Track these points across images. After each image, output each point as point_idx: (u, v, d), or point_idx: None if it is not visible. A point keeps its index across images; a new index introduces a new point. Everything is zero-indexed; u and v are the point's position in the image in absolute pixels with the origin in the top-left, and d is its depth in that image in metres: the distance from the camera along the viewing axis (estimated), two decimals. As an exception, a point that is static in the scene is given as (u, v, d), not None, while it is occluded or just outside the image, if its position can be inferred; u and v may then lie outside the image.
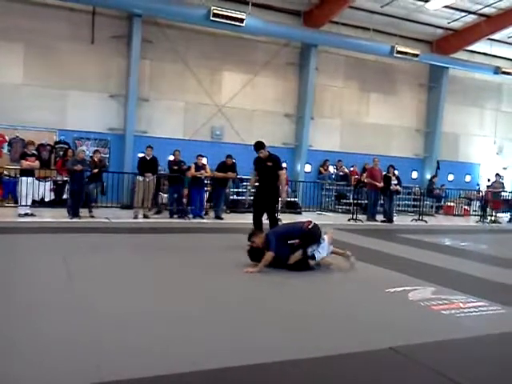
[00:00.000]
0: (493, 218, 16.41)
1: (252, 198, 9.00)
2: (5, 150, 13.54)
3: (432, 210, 18.02)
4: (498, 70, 19.28)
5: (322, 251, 6.77)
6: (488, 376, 3.60)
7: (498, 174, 17.72)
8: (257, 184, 8.79)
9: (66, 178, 12.75)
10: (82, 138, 14.46)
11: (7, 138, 13.59)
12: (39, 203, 12.42)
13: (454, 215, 17.96)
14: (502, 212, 18.15)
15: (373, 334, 4.32)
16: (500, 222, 16.32)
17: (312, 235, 6.80)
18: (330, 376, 3.46)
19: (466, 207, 18.44)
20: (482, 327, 4.71)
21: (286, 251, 6.67)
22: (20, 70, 13.77)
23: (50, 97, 13.94)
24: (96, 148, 13.81)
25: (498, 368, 3.79)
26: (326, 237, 6.94)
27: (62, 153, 13.74)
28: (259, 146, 8.60)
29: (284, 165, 16.50)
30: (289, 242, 6.73)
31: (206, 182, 13.19)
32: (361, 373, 3.56)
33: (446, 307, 5.28)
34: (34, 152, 11.85)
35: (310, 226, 6.90)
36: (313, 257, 6.70)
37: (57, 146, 13.92)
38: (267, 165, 8.48)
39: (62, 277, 5.74)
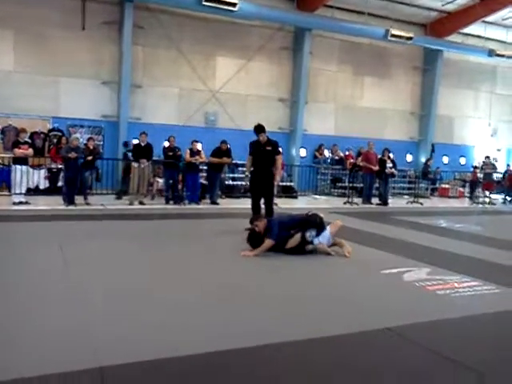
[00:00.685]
0: (486, 200, 16.49)
1: (249, 183, 8.88)
2: (-2, 139, 13.47)
3: (427, 192, 18.11)
4: (492, 53, 19.24)
5: (321, 239, 6.77)
6: (483, 354, 3.64)
7: (487, 157, 17.76)
8: (252, 169, 8.68)
9: (60, 166, 12.70)
10: (75, 125, 14.38)
11: (0, 126, 13.50)
12: (34, 191, 12.40)
13: (449, 197, 18.07)
14: (496, 193, 18.28)
15: (368, 315, 4.36)
16: (494, 204, 16.40)
17: (310, 221, 6.84)
18: (326, 357, 3.50)
19: (461, 189, 18.53)
20: (476, 306, 4.75)
21: (285, 236, 6.70)
22: (11, 58, 13.64)
23: (42, 84, 13.83)
24: (90, 135, 13.74)
25: (492, 346, 3.84)
26: (329, 227, 6.93)
27: (55, 140, 13.67)
28: (260, 129, 8.46)
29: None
30: (291, 231, 6.76)
31: (200, 167, 13.17)
32: (357, 353, 3.59)
33: (440, 287, 5.32)
34: (27, 140, 11.78)
35: (309, 213, 7.00)
36: (311, 242, 6.70)
37: (50, 134, 13.86)
38: (266, 149, 8.37)
39: (58, 264, 5.73)
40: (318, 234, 6.78)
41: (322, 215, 7.05)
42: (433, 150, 19.35)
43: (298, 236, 6.66)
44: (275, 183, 8.74)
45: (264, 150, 8.38)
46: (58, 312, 4.10)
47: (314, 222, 6.84)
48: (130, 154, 13.32)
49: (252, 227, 6.91)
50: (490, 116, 21.26)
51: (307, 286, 5.28)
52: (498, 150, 21.37)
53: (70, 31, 14.09)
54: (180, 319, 4.06)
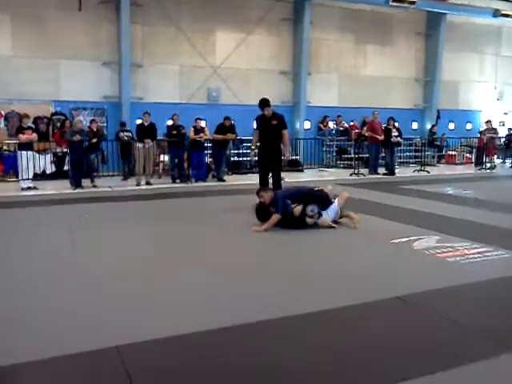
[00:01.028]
0: (488, 165, 16.33)
1: (256, 158, 8.87)
2: (1, 125, 13.45)
3: (434, 159, 17.97)
4: (497, 13, 18.79)
5: (330, 213, 6.75)
6: (495, 320, 3.67)
7: (488, 121, 17.52)
8: (259, 143, 8.65)
9: (65, 150, 12.71)
10: (78, 108, 14.30)
11: (3, 112, 13.47)
12: (41, 176, 12.44)
13: (456, 164, 17.94)
14: (501, 158, 18.19)
15: (378, 285, 4.39)
16: (493, 168, 16.23)
17: (315, 196, 6.84)
18: (339, 326, 3.54)
19: (468, 155, 18.38)
20: (486, 272, 4.77)
21: (289, 210, 6.72)
22: (8, 42, 13.50)
23: (42, 68, 13.72)
24: (93, 117, 13.69)
25: (503, 311, 3.87)
26: (336, 200, 6.93)
27: (59, 124, 13.65)
28: (264, 103, 8.35)
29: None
30: (294, 204, 6.77)
31: (205, 144, 13.13)
32: (370, 322, 3.63)
33: (450, 255, 5.34)
34: (31, 125, 11.77)
35: (314, 188, 7.03)
36: (311, 216, 6.69)
37: (53, 118, 13.81)
38: (272, 123, 8.27)
39: (67, 247, 5.80)
40: (324, 208, 6.77)
41: (328, 191, 7.02)
42: (438, 117, 19.12)
43: (299, 208, 6.69)
44: (285, 158, 8.66)
45: (270, 125, 8.29)
46: (70, 294, 4.17)
47: (318, 197, 6.82)
48: (121, 134, 13.35)
49: (258, 199, 6.94)
50: (495, 79, 20.91)
51: (316, 260, 5.31)
52: (505, 114, 21.10)
53: (67, 13, 13.90)
54: (190, 297, 4.11)
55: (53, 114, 13.86)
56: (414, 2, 16.92)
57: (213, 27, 15.76)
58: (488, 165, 16.34)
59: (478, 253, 5.42)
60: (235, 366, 2.95)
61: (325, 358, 3.04)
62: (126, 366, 2.89)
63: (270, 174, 8.53)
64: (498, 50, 20.87)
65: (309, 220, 6.69)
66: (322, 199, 6.83)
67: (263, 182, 8.48)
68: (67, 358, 3.01)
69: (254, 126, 8.84)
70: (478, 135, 17.41)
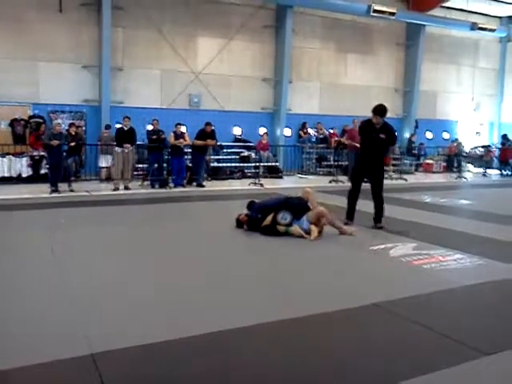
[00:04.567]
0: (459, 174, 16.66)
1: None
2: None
3: (411, 168, 18.23)
4: (474, 26, 19.23)
5: (300, 223, 6.68)
6: (469, 325, 3.72)
7: (455, 139, 18.55)
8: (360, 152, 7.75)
9: (42, 153, 12.53)
10: (56, 111, 14.13)
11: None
12: (17, 180, 12.23)
13: (433, 172, 18.23)
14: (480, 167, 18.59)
15: (356, 291, 4.41)
16: (465, 178, 16.54)
17: (288, 203, 6.82)
18: (314, 334, 3.54)
19: (445, 164, 18.72)
20: (461, 279, 4.83)
21: (260, 218, 6.80)
22: (-14, 43, 13.30)
23: (20, 69, 13.51)
24: (71, 121, 13.53)
25: (477, 317, 3.92)
26: (306, 215, 6.68)
27: (34, 127, 13.42)
28: (377, 109, 7.46)
29: (263, 129, 16.52)
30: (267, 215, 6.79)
31: (185, 150, 13.08)
32: (345, 329, 3.64)
33: (426, 261, 5.40)
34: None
35: (288, 196, 7.07)
36: (284, 224, 6.65)
37: (31, 121, 13.60)
38: (379, 137, 7.33)
39: (45, 252, 5.70)
40: (299, 218, 6.67)
41: (307, 194, 7.00)
42: (416, 126, 19.41)
43: (269, 217, 6.69)
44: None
45: (377, 137, 7.35)
46: (47, 298, 4.09)
47: (294, 205, 6.78)
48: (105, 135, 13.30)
49: (237, 216, 7.13)
50: (472, 90, 21.35)
51: (292, 267, 5.31)
52: (481, 125, 21.53)
53: (47, 14, 13.75)
54: (166, 303, 4.07)
55: (30, 117, 13.65)
56: (394, 13, 17.20)
57: (195, 32, 15.77)
58: (463, 174, 16.67)
59: (453, 260, 5.49)
60: (212, 373, 2.92)
61: (297, 367, 3.02)
62: (101, 374, 2.84)
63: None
64: (475, 62, 21.32)
65: (280, 228, 6.65)
66: (297, 207, 6.75)
67: (353, 193, 7.72)
68: (39, 367, 2.94)
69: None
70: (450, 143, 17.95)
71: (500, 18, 21.27)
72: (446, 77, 20.61)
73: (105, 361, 3.01)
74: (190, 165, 13.45)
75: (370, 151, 7.44)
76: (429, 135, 20.21)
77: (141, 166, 13.54)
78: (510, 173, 17.87)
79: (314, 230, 6.55)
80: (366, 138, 7.56)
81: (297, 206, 6.78)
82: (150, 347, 3.20)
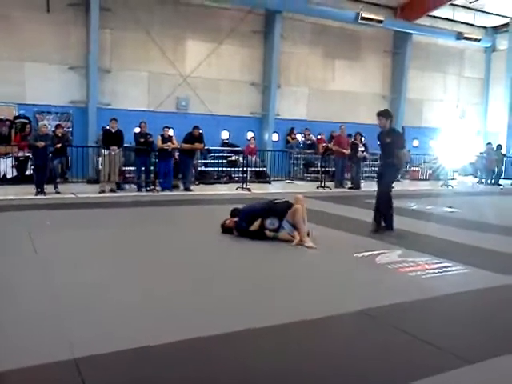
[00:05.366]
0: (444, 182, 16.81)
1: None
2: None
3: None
4: (460, 36, 19.53)
5: (285, 227, 6.70)
6: (454, 333, 3.75)
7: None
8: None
9: (27, 154, 12.39)
10: (42, 112, 14.01)
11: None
12: (1, 181, 12.08)
13: (420, 179, 18.38)
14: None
15: (342, 298, 4.42)
16: (451, 186, 16.68)
17: (272, 209, 6.81)
18: (302, 341, 3.54)
19: (431, 171, 18.89)
20: (446, 287, 4.87)
21: (245, 226, 6.78)
22: (-28, 42, 13.15)
23: (6, 69, 13.38)
24: (58, 122, 13.41)
25: (462, 325, 3.95)
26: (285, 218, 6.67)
27: (19, 127, 13.29)
28: (380, 112, 7.57)
29: (251, 134, 16.53)
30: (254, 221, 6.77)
31: (172, 153, 13.02)
32: (332, 336, 3.65)
33: (412, 269, 5.44)
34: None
35: (275, 201, 7.00)
36: (272, 230, 6.66)
37: (17, 121, 13.46)
38: (385, 140, 7.44)
39: (28, 254, 5.62)
40: (282, 219, 6.66)
41: (298, 200, 6.95)
42: (403, 133, 19.55)
43: (257, 223, 6.68)
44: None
45: (383, 142, 7.49)
46: (30, 303, 4.03)
47: (278, 210, 6.77)
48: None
49: (222, 222, 7.11)
50: (458, 99, 21.63)
51: (277, 273, 5.29)
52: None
53: (35, 14, 13.65)
54: (150, 307, 4.04)
55: (16, 117, 13.51)
56: (381, 21, 17.38)
57: (183, 35, 15.76)
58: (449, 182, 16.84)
59: (438, 268, 5.54)
60: (195, 380, 2.91)
61: (282, 373, 3.02)
62: (83, 379, 2.81)
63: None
64: (460, 71, 21.62)
65: (268, 233, 6.65)
66: (281, 210, 6.72)
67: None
68: (19, 372, 2.89)
69: None
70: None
71: (485, 28, 21.64)
72: (432, 85, 20.86)
73: (88, 365, 2.97)
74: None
75: (381, 156, 7.58)
76: (415, 143, 20.38)
77: (127, 168, 13.44)
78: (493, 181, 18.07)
79: (296, 235, 6.52)
80: (379, 142, 7.69)
81: (283, 210, 6.74)
82: (135, 352, 3.17)
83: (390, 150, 7.40)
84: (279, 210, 6.77)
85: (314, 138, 17.53)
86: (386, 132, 7.50)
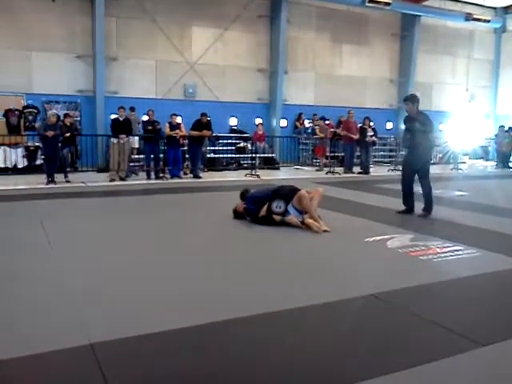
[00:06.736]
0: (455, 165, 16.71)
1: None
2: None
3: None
4: (469, 17, 19.23)
5: (291, 212, 6.69)
6: (466, 316, 3.76)
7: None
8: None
9: (37, 144, 12.46)
10: (50, 101, 14.03)
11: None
12: (12, 170, 12.17)
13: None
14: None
15: (354, 283, 4.44)
16: (461, 169, 16.59)
17: (279, 191, 6.82)
18: (314, 324, 3.57)
19: (441, 155, 18.75)
20: (458, 270, 4.87)
21: (255, 210, 6.80)
22: (-21, 33, 13.17)
23: (13, 59, 13.41)
24: (66, 111, 13.45)
25: (475, 308, 3.96)
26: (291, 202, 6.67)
27: (30, 118, 13.35)
28: (407, 97, 7.71)
29: (259, 120, 16.45)
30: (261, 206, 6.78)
31: (181, 141, 13.04)
32: (344, 319, 3.67)
33: (423, 253, 5.43)
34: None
35: (280, 185, 7.05)
36: (279, 213, 6.66)
37: (25, 111, 13.52)
38: (414, 124, 7.45)
39: (41, 242, 5.68)
40: (288, 202, 6.67)
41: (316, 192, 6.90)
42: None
43: (264, 207, 6.70)
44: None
45: (411, 126, 7.51)
46: (44, 290, 4.08)
47: (284, 192, 6.78)
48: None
49: (234, 207, 7.14)
50: (467, 82, 21.37)
51: (290, 258, 5.32)
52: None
53: (40, 3, 13.62)
54: (166, 292, 4.08)
55: (25, 107, 13.56)
56: (389, 4, 17.16)
57: (189, 22, 15.67)
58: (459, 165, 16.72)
59: (450, 251, 5.53)
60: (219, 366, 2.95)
61: (299, 357, 3.04)
62: (100, 364, 2.85)
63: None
64: (469, 53, 21.33)
65: (276, 217, 6.66)
66: (286, 193, 6.72)
67: (406, 190, 7.78)
68: (37, 357, 2.94)
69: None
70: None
71: (495, 8, 21.29)
72: (440, 68, 20.62)
73: (104, 350, 3.01)
74: (187, 156, 13.41)
75: (411, 141, 7.54)
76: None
77: (136, 156, 13.50)
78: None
79: (313, 222, 6.46)
80: (406, 127, 7.76)
81: (289, 192, 6.74)
82: (150, 337, 3.21)
83: (420, 133, 7.38)
84: (284, 192, 6.78)
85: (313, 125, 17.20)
86: (413, 116, 7.50)
